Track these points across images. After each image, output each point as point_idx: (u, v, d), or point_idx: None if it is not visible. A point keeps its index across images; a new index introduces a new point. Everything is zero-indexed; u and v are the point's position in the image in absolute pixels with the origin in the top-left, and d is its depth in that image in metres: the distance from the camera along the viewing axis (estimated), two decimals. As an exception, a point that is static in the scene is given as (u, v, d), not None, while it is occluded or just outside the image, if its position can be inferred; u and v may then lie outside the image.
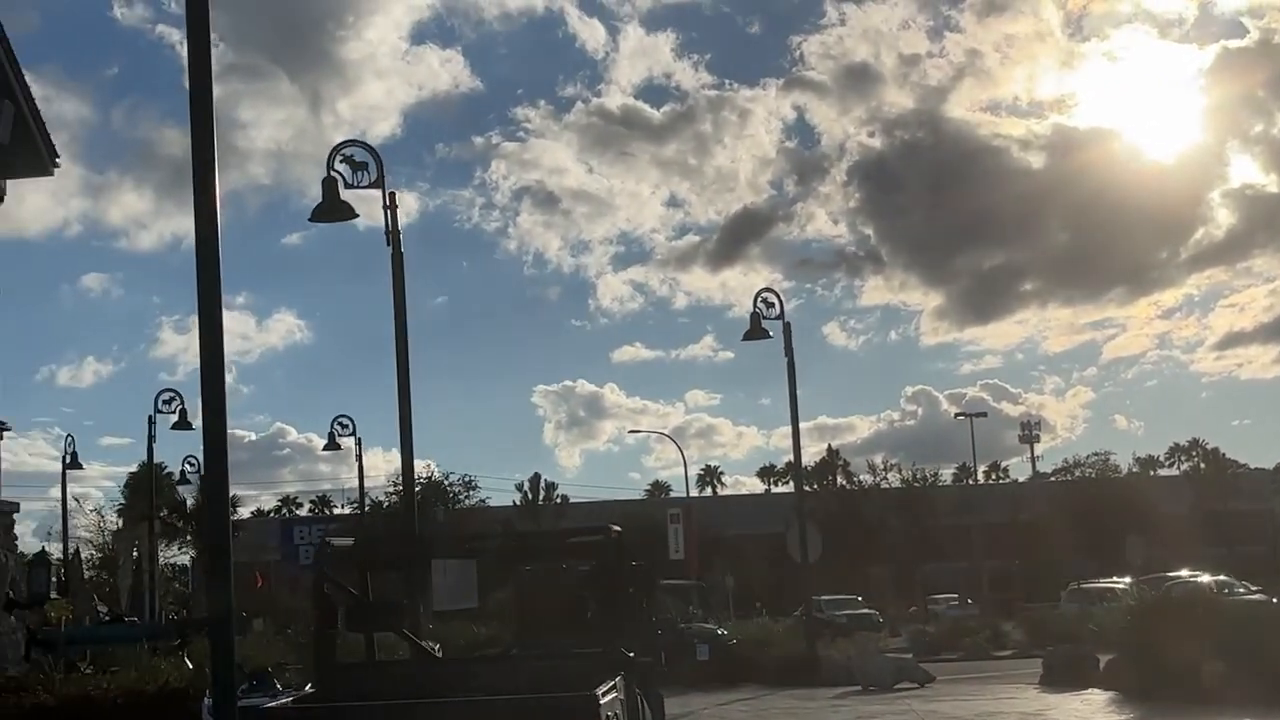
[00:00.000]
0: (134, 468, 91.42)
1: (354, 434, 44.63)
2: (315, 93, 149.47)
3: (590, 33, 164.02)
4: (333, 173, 19.19)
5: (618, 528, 10.90)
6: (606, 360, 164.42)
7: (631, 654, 9.72)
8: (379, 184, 19.42)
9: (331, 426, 44.15)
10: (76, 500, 62.29)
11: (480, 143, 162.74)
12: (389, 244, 19.49)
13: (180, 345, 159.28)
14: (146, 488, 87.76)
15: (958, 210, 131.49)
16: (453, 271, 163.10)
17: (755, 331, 30.47)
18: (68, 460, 43.80)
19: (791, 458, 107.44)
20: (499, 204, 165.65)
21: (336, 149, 19.25)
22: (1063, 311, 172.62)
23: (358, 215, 19.46)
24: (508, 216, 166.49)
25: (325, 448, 45.28)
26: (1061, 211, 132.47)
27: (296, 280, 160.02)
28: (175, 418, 38.70)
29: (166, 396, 38.64)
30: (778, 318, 30.45)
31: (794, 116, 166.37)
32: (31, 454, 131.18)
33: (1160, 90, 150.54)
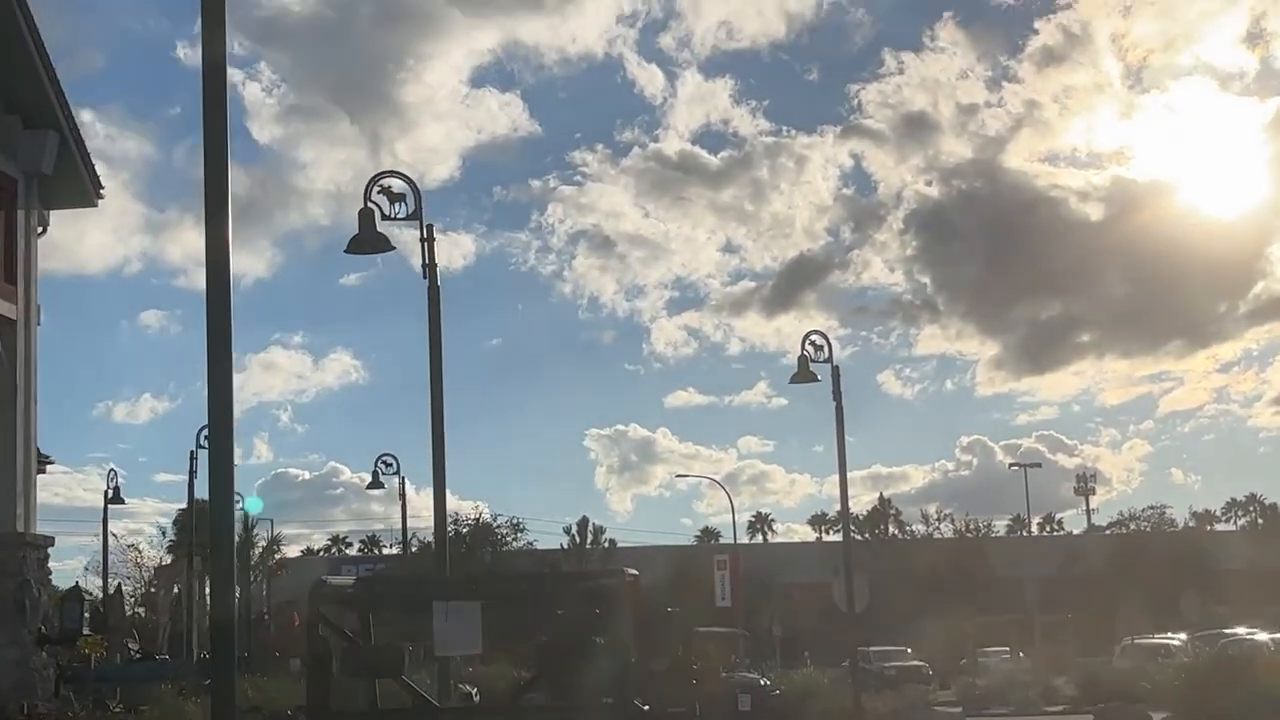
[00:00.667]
0: (183, 504, 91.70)
1: (398, 472, 44.31)
2: (375, 134, 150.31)
3: (649, 78, 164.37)
4: (370, 203, 18.84)
5: (634, 571, 10.35)
6: (660, 405, 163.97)
7: (647, 706, 9.23)
8: (417, 216, 19.04)
9: (375, 465, 43.77)
10: (114, 535, 62.71)
11: (538, 186, 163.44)
12: (425, 277, 19.07)
13: (237, 384, 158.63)
14: (191, 524, 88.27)
15: (1015, 260, 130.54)
16: (508, 314, 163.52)
17: (803, 375, 29.88)
18: (110, 495, 43.63)
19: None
20: (555, 247, 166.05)
21: (374, 179, 18.91)
22: (1120, 364, 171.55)
23: (394, 248, 19.14)
24: (563, 260, 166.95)
25: (369, 486, 44.96)
26: (1119, 263, 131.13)
27: (354, 320, 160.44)
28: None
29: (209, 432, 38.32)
30: (826, 361, 29.84)
31: (851, 164, 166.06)
32: (86, 489, 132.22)
33: (1220, 143, 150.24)
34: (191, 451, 38.41)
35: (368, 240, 18.82)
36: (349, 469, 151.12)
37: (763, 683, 33.88)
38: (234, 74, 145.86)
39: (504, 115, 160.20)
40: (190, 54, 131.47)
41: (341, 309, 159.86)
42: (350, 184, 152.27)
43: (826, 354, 29.95)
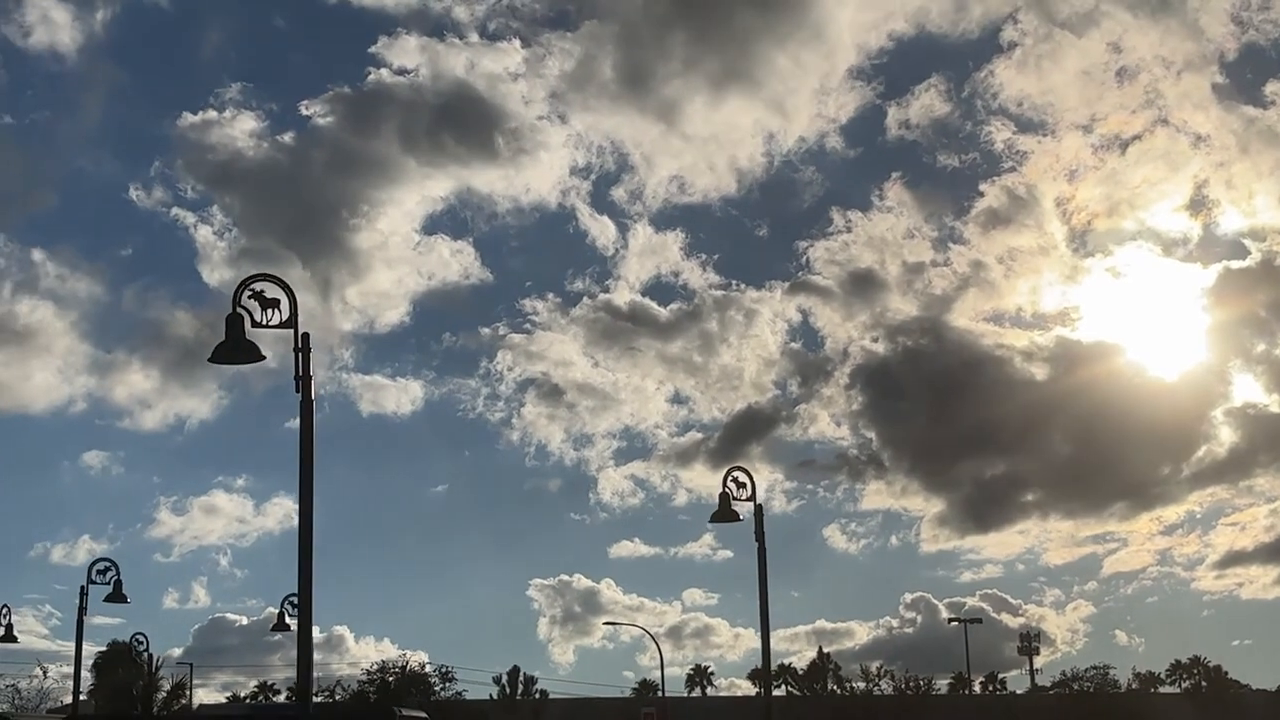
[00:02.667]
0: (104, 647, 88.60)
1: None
2: (326, 279, 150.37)
3: (600, 229, 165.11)
4: (239, 309, 17.25)
5: (411, 712, 8.62)
6: (605, 555, 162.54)
7: None
8: (291, 324, 17.43)
9: (282, 606, 41.73)
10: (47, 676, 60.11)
11: (487, 333, 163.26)
12: (298, 390, 17.42)
13: (177, 526, 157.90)
14: (116, 663, 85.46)
15: (960, 418, 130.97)
16: (455, 460, 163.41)
17: (724, 513, 28.21)
18: (1, 633, 41.19)
19: (788, 660, 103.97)
20: (503, 394, 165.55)
21: (244, 283, 17.34)
22: (1064, 524, 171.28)
23: (264, 357, 17.50)
24: (512, 407, 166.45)
25: (274, 628, 42.59)
26: (1064, 424, 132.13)
27: (297, 465, 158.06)
28: (109, 589, 36.24)
29: (101, 566, 36.23)
30: (749, 499, 28.20)
31: (799, 319, 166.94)
32: (21, 630, 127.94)
33: (1163, 307, 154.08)
34: (82, 586, 36.22)
35: (235, 348, 17.21)
36: (287, 616, 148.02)
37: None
38: (185, 216, 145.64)
39: (455, 262, 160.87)
40: (143, 195, 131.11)
41: (286, 453, 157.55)
42: (301, 327, 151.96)
43: (749, 491, 28.32)
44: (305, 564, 17.10)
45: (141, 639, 50.04)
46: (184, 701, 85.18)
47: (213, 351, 17.33)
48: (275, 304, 17.46)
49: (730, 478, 28.56)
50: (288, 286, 17.53)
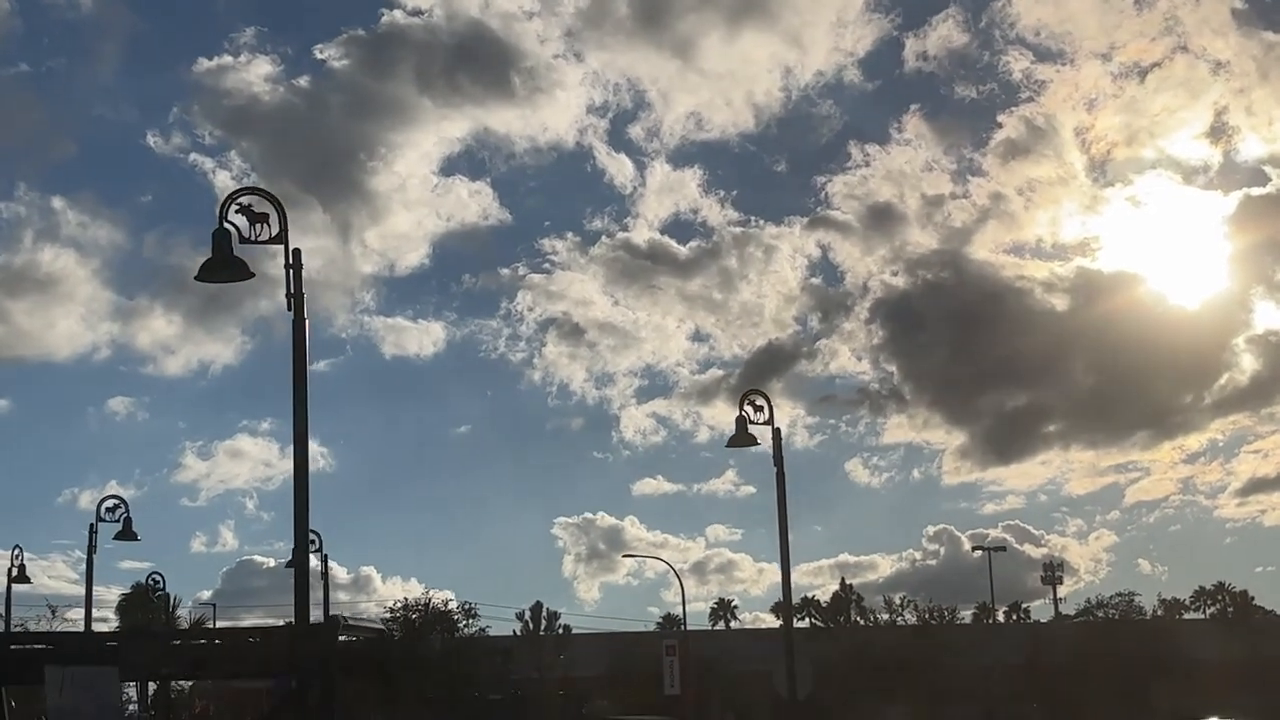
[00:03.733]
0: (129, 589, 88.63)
1: (320, 549, 41.45)
2: (346, 222, 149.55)
3: (618, 168, 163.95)
4: (226, 224, 16.42)
5: (365, 622, 7.82)
6: (628, 493, 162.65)
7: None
8: (281, 239, 16.61)
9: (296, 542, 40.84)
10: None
11: (507, 274, 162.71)
12: (290, 308, 16.61)
13: (203, 471, 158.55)
14: (137, 606, 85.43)
15: (981, 350, 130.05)
16: (477, 401, 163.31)
17: (741, 437, 27.49)
18: (14, 575, 40.72)
19: (811, 594, 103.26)
20: (524, 334, 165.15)
21: (231, 197, 16.51)
22: (1086, 454, 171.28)
23: (253, 275, 16.71)
24: (533, 347, 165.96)
25: (288, 564, 41.89)
26: (1085, 354, 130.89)
27: (322, 407, 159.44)
28: (119, 526, 35.67)
29: (110, 504, 35.66)
30: (766, 423, 27.46)
31: (818, 254, 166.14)
32: (51, 576, 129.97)
33: (1184, 236, 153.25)
34: (91, 524, 35.64)
35: (222, 265, 16.40)
36: (314, 557, 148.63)
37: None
38: (203, 162, 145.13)
39: (474, 203, 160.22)
40: (160, 142, 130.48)
41: (310, 395, 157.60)
42: (320, 271, 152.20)
43: (767, 415, 27.55)
44: (301, 482, 16.37)
45: (158, 578, 49.54)
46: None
47: (199, 268, 16.53)
48: (264, 219, 16.66)
49: (747, 401, 27.82)
50: (276, 200, 16.71)
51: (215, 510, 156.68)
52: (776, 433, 27.48)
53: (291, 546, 42.58)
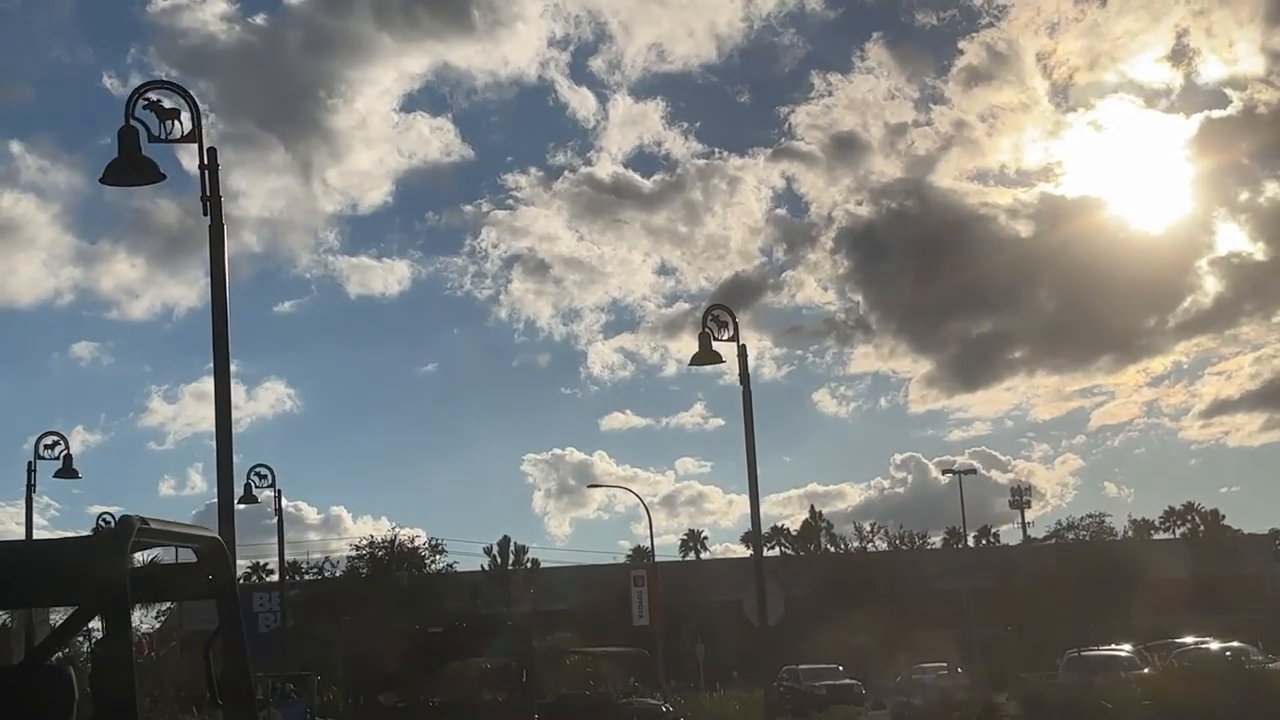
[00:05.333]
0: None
1: (273, 485, 40.10)
2: (306, 161, 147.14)
3: (580, 101, 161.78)
4: (133, 122, 14.94)
5: (166, 524, 6.37)
6: (596, 428, 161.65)
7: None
8: (194, 137, 15.14)
9: (249, 478, 39.60)
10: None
11: (471, 210, 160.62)
12: (206, 213, 15.19)
13: (170, 414, 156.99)
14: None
15: (946, 278, 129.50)
16: (444, 339, 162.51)
17: (705, 354, 26.19)
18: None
19: (781, 524, 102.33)
20: (490, 271, 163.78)
21: (138, 91, 15.01)
22: (1051, 379, 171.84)
23: (164, 176, 15.24)
24: (499, 284, 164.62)
25: (240, 500, 40.60)
26: (1049, 280, 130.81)
27: (288, 348, 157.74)
28: (59, 464, 34.25)
29: (49, 440, 34.18)
30: (731, 339, 26.16)
31: (783, 185, 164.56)
32: (18, 523, 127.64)
33: (1147, 159, 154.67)
34: (30, 463, 34.18)
35: (130, 165, 14.93)
36: (285, 498, 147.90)
37: (664, 709, 29.98)
38: (162, 101, 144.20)
39: (435, 140, 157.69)
40: (117, 84, 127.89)
41: (276, 337, 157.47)
42: (283, 211, 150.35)
43: (731, 332, 26.25)
44: (223, 415, 14.98)
45: (109, 519, 48.04)
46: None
47: (104, 171, 15.06)
48: (175, 115, 15.18)
49: (710, 317, 26.51)
50: (189, 94, 15.29)
51: (183, 454, 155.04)
52: (742, 349, 26.20)
53: (262, 490, 41.41)
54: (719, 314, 26.58)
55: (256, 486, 40.36)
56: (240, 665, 6.38)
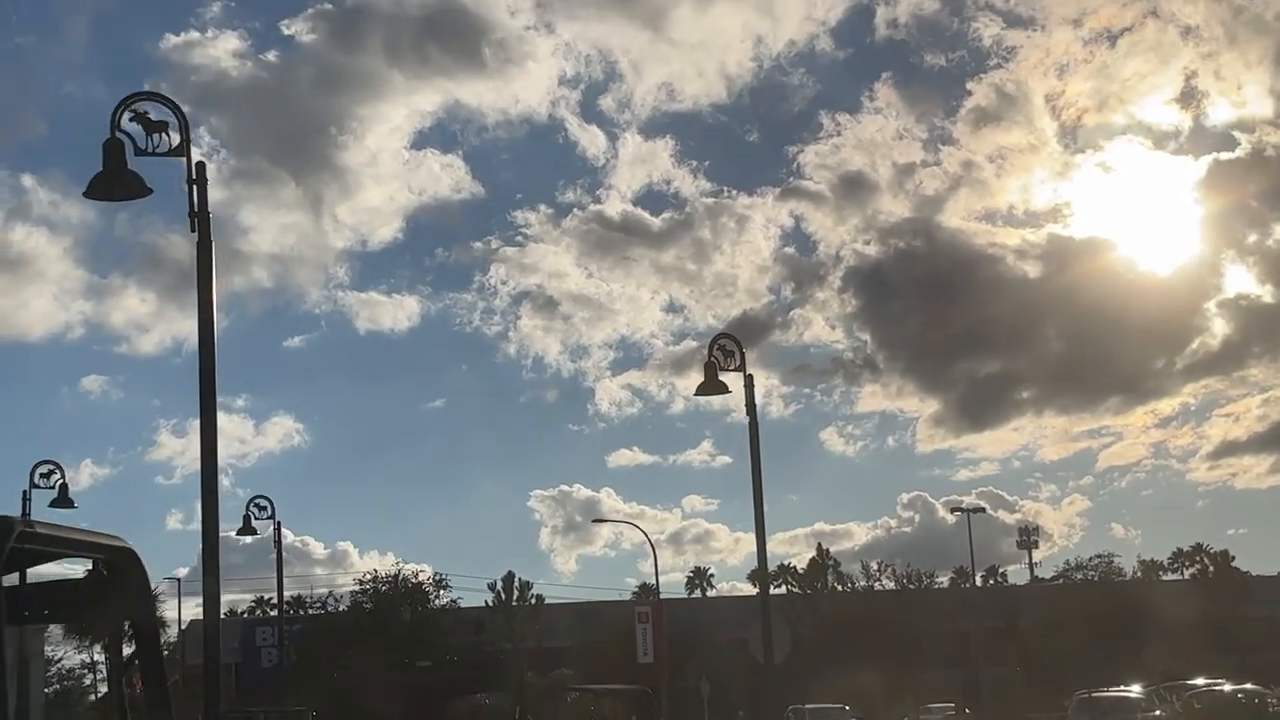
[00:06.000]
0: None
1: (272, 516, 39.50)
2: (317, 197, 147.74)
3: (590, 139, 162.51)
4: (119, 134, 14.43)
5: (51, 528, 5.63)
6: (603, 465, 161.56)
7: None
8: (182, 150, 14.62)
9: (248, 509, 38.99)
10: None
11: (480, 247, 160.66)
12: (193, 229, 14.65)
13: (178, 448, 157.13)
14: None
15: (954, 318, 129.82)
16: (452, 375, 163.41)
17: (711, 384, 25.61)
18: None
19: (788, 562, 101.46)
20: (499, 308, 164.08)
21: (124, 102, 14.50)
22: (1059, 420, 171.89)
23: (151, 191, 14.72)
24: (508, 320, 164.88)
25: (239, 531, 40.04)
26: (1058, 320, 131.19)
27: (296, 383, 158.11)
28: (55, 494, 33.62)
29: (45, 470, 33.56)
30: (737, 369, 25.59)
31: (791, 224, 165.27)
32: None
33: (1155, 201, 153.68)
34: (24, 491, 33.55)
35: (116, 180, 14.41)
36: (291, 532, 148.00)
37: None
38: (175, 139, 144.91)
39: (446, 176, 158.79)
40: (128, 118, 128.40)
41: (285, 372, 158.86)
42: (294, 247, 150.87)
43: (738, 361, 25.68)
44: (209, 425, 14.41)
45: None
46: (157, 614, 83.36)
47: (89, 184, 14.54)
48: (162, 127, 14.65)
49: (716, 346, 25.95)
50: (177, 106, 14.77)
51: (190, 488, 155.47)
52: (749, 379, 25.62)
53: (267, 524, 40.84)
54: (725, 344, 26.02)
55: (256, 518, 39.67)
56: (160, 700, 5.61)
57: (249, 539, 41.64)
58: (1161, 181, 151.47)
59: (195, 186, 14.55)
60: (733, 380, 25.94)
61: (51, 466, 33.81)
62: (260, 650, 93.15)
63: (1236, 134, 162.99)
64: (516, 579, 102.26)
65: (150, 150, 14.63)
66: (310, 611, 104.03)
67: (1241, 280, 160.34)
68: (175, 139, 14.55)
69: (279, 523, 40.90)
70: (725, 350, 25.87)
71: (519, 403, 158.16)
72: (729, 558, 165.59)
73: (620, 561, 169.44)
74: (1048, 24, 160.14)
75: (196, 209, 14.60)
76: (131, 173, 14.45)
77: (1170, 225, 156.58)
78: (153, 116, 14.61)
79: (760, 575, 26.91)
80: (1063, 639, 79.07)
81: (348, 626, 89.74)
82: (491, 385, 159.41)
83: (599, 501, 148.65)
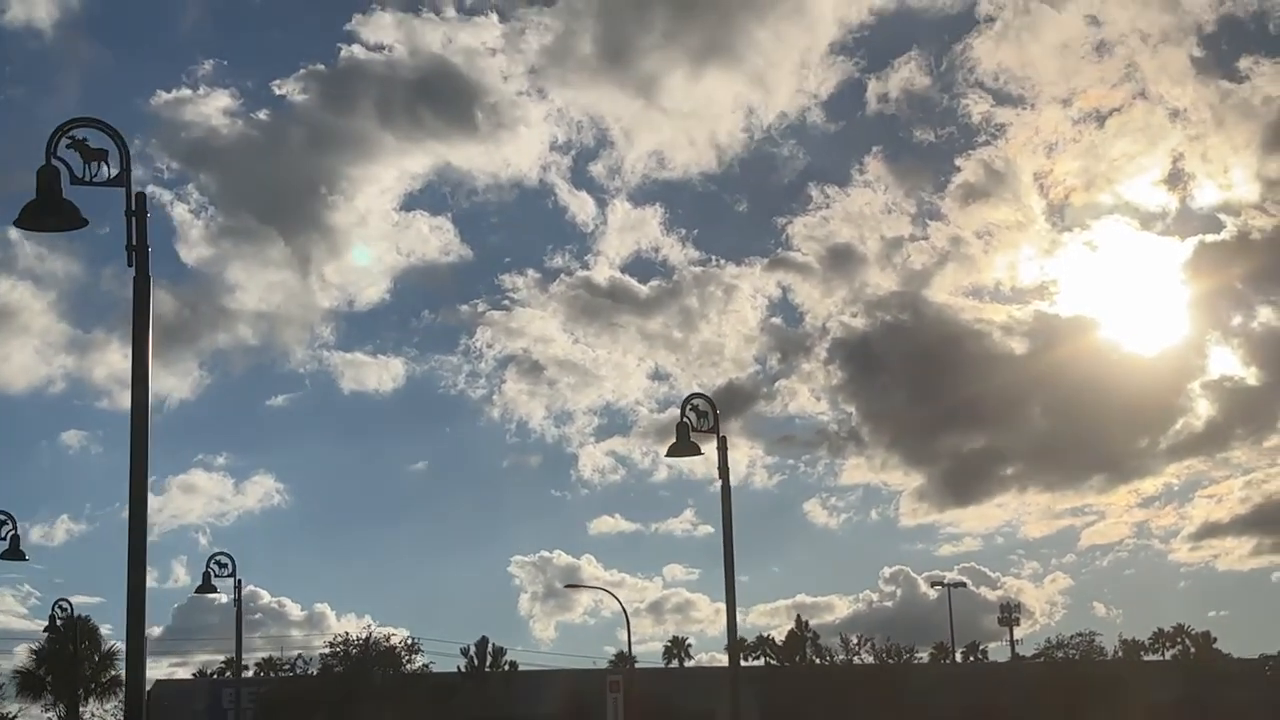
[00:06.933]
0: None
1: (233, 574, 38.44)
2: (305, 256, 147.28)
3: (579, 205, 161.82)
4: (54, 161, 13.65)
5: None
6: (585, 531, 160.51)
7: None
8: (122, 181, 13.83)
9: (208, 565, 37.97)
10: None
11: (467, 310, 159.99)
12: (131, 263, 13.84)
13: (155, 506, 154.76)
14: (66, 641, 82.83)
15: (939, 393, 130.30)
16: (436, 437, 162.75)
17: (683, 445, 24.79)
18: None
19: (767, 633, 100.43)
20: (484, 371, 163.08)
21: (62, 129, 13.71)
22: (1042, 497, 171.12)
23: (86, 222, 13.93)
24: (493, 384, 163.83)
25: (199, 589, 39.01)
26: (1042, 398, 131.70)
27: (278, 442, 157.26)
28: (6, 545, 32.65)
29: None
30: (711, 430, 24.78)
31: (779, 294, 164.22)
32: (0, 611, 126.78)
33: (1141, 281, 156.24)
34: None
35: (47, 209, 13.61)
36: (268, 593, 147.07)
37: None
38: (161, 195, 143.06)
39: (434, 239, 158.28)
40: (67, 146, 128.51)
41: (266, 431, 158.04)
42: (280, 306, 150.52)
43: (711, 423, 24.87)
44: (139, 471, 13.51)
45: (65, 606, 46.38)
46: (114, 673, 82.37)
47: (19, 213, 13.73)
48: (102, 155, 13.86)
49: (689, 406, 25.14)
50: (118, 134, 13.96)
51: (167, 546, 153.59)
52: (722, 440, 24.79)
53: (246, 584, 39.88)
54: (698, 404, 25.23)
55: (216, 575, 38.61)
56: None
57: (224, 598, 40.79)
58: (1148, 262, 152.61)
59: (134, 219, 13.70)
60: (708, 443, 25.14)
61: (3, 517, 32.85)
62: (226, 712, 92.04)
63: (1222, 216, 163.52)
64: (490, 645, 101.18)
65: (88, 179, 13.82)
66: (280, 674, 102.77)
67: (1226, 362, 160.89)
68: (114, 170, 13.70)
69: (239, 580, 39.83)
70: (699, 411, 25.08)
71: (501, 467, 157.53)
72: (709, 628, 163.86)
73: (600, 629, 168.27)
74: (1037, 103, 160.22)
75: (135, 241, 13.75)
76: (67, 201, 13.67)
77: (1156, 305, 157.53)
78: (91, 144, 13.77)
79: (730, 644, 26.00)
80: (1043, 717, 78.02)
81: (316, 690, 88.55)
82: (474, 449, 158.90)
83: (579, 568, 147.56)
